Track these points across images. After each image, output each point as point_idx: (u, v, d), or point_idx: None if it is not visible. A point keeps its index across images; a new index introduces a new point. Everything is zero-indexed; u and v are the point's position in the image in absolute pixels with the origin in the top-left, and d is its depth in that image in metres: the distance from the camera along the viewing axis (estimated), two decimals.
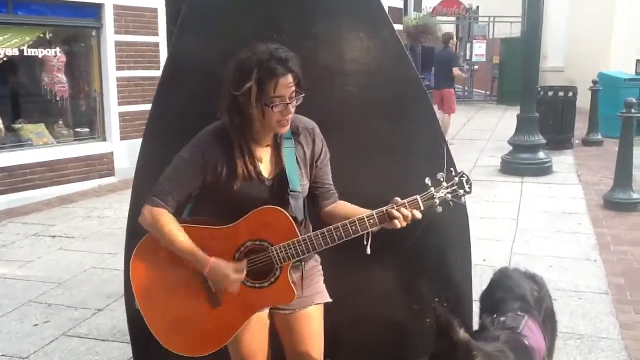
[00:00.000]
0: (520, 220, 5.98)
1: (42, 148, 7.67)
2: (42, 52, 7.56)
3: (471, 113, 14.86)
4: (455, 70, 10.70)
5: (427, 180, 2.00)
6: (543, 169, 7.98)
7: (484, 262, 4.52)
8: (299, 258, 2.00)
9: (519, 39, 17.70)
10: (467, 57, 19.71)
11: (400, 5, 16.81)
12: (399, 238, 2.38)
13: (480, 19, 21.13)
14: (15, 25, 7.28)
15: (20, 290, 4.55)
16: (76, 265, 5.01)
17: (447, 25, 21.87)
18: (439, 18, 20.40)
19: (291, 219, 1.99)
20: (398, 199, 2.00)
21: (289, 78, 1.89)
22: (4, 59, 7.22)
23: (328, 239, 1.97)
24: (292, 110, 1.94)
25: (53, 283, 4.65)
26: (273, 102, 1.88)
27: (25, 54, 7.40)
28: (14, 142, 7.53)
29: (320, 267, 2.27)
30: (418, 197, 1.99)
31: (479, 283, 2.92)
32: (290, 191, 2.02)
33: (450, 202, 2.01)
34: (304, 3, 2.56)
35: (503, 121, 12.83)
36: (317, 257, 2.24)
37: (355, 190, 2.50)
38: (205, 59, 2.43)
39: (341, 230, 1.97)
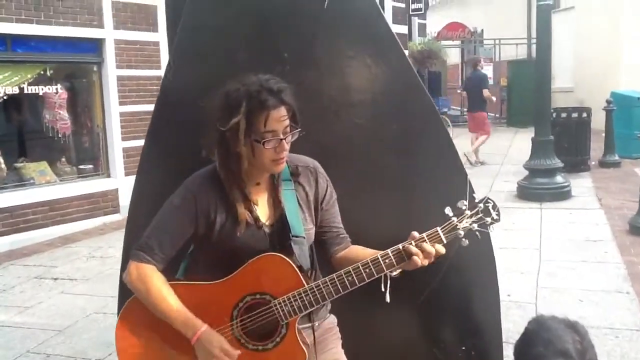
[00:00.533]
0: (543, 250, 5.68)
1: (45, 187, 7.51)
2: (42, 89, 7.45)
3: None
4: (485, 92, 10.75)
5: (448, 211, 1.76)
6: (562, 194, 7.70)
7: (509, 297, 4.23)
8: (307, 311, 1.75)
9: (525, 61, 17.61)
10: None
11: (405, 31, 16.75)
12: (420, 280, 2.14)
13: (485, 41, 21.07)
14: (15, 63, 7.19)
15: (18, 339, 4.33)
16: (78, 311, 4.78)
17: (452, 50, 21.85)
18: (443, 42, 20.32)
19: (294, 266, 1.74)
20: (415, 233, 1.76)
21: (282, 111, 1.70)
22: (4, 97, 7.10)
23: (339, 285, 1.72)
24: (287, 146, 1.73)
25: (53, 331, 4.41)
26: (264, 137, 1.68)
27: (25, 91, 7.29)
28: (16, 182, 7.38)
29: (338, 329, 2.01)
30: (439, 229, 1.75)
31: (505, 321, 2.64)
32: (293, 236, 1.78)
33: (477, 233, 1.76)
34: (305, 29, 2.34)
35: (515, 144, 12.59)
36: (333, 318, 2.01)
37: (368, 231, 2.26)
38: (198, 93, 2.21)
39: (353, 275, 1.72)
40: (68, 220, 7.50)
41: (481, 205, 1.76)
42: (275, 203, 1.82)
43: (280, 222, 1.80)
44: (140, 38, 8.15)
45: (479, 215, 1.75)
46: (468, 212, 1.75)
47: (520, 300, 4.37)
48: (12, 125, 7.90)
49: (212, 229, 1.76)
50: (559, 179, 7.85)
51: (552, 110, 9.02)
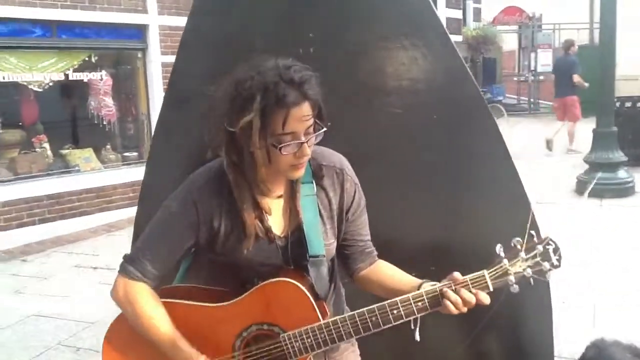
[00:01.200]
0: (603, 251, 5.23)
1: (90, 174, 7.52)
2: (87, 75, 7.45)
3: (538, 126, 13.97)
4: (576, 78, 10.40)
5: (499, 250, 1.45)
6: (625, 190, 7.22)
7: (563, 304, 3.86)
8: (320, 350, 1.49)
9: (587, 47, 16.72)
10: (532, 68, 18.79)
11: (459, 15, 16.19)
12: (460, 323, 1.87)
13: (544, 26, 20.17)
14: (60, 50, 7.18)
15: (51, 331, 4.28)
16: (113, 303, 4.69)
17: (508, 35, 21.05)
18: (499, 27, 19.57)
19: (310, 297, 1.46)
20: (457, 274, 1.46)
21: (305, 108, 1.36)
22: (50, 84, 7.11)
23: (360, 326, 1.45)
24: (309, 151, 1.42)
25: (86, 323, 4.35)
26: (282, 141, 1.36)
27: (70, 78, 7.29)
28: (62, 168, 7.42)
29: (356, 346, 1.74)
30: (486, 272, 1.44)
31: (556, 328, 2.32)
32: (310, 257, 1.50)
33: (531, 280, 1.45)
34: (335, 6, 2.07)
35: (576, 135, 11.90)
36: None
37: (402, 239, 2.01)
38: (210, 79, 1.99)
39: (378, 316, 1.44)
40: (112, 207, 7.50)
41: (540, 247, 1.44)
42: (293, 212, 1.54)
43: (297, 235, 1.53)
44: (184, 24, 8.00)
45: (536, 260, 1.44)
46: (523, 255, 1.44)
47: (576, 314, 3.98)
48: (58, 112, 7.95)
49: (215, 240, 1.50)
50: (622, 173, 7.37)
51: (615, 100, 8.43)
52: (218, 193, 1.48)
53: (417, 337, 1.47)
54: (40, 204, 6.83)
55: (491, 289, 1.44)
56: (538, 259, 1.43)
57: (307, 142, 1.39)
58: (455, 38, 14.46)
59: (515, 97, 20.98)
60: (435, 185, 2.16)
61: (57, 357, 3.86)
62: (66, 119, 7.99)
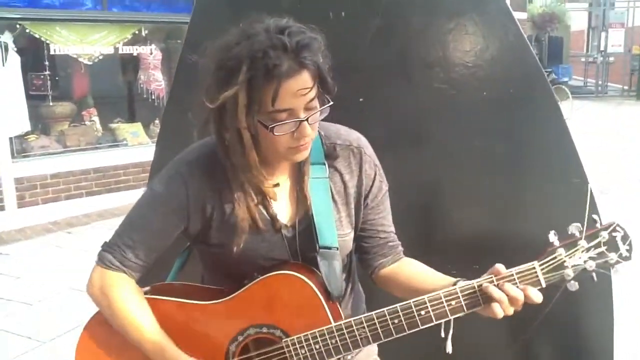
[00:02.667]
0: None
1: (137, 148, 7.50)
2: (137, 49, 7.39)
3: (607, 110, 13.23)
4: None
5: (553, 237, 1.16)
6: None
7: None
8: (332, 359, 1.25)
9: None
10: (602, 48, 17.83)
11: None
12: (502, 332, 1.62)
13: (617, 4, 19.04)
14: (111, 23, 7.14)
15: (84, 305, 4.23)
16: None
17: (578, 13, 20.05)
18: (568, 5, 18.63)
19: (319, 294, 1.23)
20: (501, 267, 1.19)
21: (303, 79, 1.12)
22: (100, 57, 7.10)
23: (380, 330, 1.20)
24: (310, 131, 1.17)
25: None
26: (275, 119, 1.14)
27: (120, 52, 7.26)
28: (110, 142, 7.44)
29: (376, 348, 1.49)
30: (537, 264, 1.17)
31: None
32: (320, 248, 1.27)
33: (594, 274, 1.17)
34: None
35: None
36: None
37: (444, 233, 1.76)
38: None
39: (402, 318, 1.19)
40: None
41: (605, 234, 1.16)
42: (300, 197, 1.30)
43: (306, 224, 1.29)
44: None
45: (600, 250, 1.16)
46: (584, 244, 1.16)
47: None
48: (107, 86, 7.96)
49: (208, 228, 1.28)
50: None
51: None
52: (211, 172, 1.26)
53: (449, 349, 1.23)
54: (88, 176, 6.86)
55: (543, 285, 1.17)
56: (603, 248, 1.16)
57: (307, 119, 1.15)
58: (519, 15, 13.80)
59: (582, 79, 20.04)
60: (485, 173, 1.90)
61: None
62: (116, 93, 8.00)
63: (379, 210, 1.37)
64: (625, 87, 17.10)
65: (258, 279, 1.25)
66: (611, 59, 17.70)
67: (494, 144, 1.86)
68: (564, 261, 1.16)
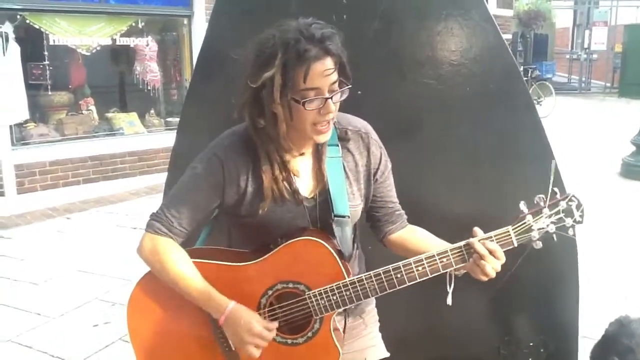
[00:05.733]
0: None
1: (133, 137, 7.69)
2: (134, 41, 7.58)
3: (589, 106, 13.56)
4: None
5: (522, 206, 1.45)
6: None
7: (626, 301, 3.78)
8: (345, 307, 1.52)
9: None
10: (585, 46, 18.16)
11: None
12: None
13: (601, 3, 19.39)
14: (108, 15, 7.30)
15: (89, 285, 4.45)
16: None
17: (563, 11, 20.36)
18: (554, 3, 18.93)
19: (335, 255, 1.49)
20: (478, 229, 1.48)
21: (327, 63, 1.38)
22: (98, 48, 7.27)
23: (385, 283, 1.47)
24: (334, 108, 1.43)
25: (123, 280, 4.50)
26: (305, 96, 1.39)
27: (117, 43, 7.43)
28: (107, 131, 7.62)
29: (375, 311, 1.78)
30: (510, 228, 1.45)
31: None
32: (335, 216, 1.53)
33: (554, 236, 1.46)
34: None
35: (625, 116, 11.52)
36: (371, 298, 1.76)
37: (433, 212, 2.01)
38: (240, 46, 2.00)
39: (403, 273, 1.46)
40: (154, 171, 7.66)
41: (563, 203, 1.45)
42: (319, 173, 1.56)
43: (324, 197, 1.55)
44: None
45: (559, 216, 1.45)
46: (547, 211, 1.45)
47: (609, 294, 3.92)
48: (104, 76, 8.13)
49: (241, 201, 1.53)
50: None
51: None
52: (244, 153, 1.51)
53: (449, 301, 1.49)
54: (85, 164, 7.04)
55: (515, 245, 1.46)
56: (562, 215, 1.44)
57: (331, 97, 1.40)
58: (505, 12, 14.05)
59: (566, 75, 20.37)
60: (468, 159, 2.15)
61: (93, 311, 4.01)
62: (112, 83, 8.17)
63: (386, 184, 1.65)
64: (608, 84, 17.43)
65: (284, 244, 1.50)
66: (594, 56, 18.01)
67: (476, 132, 2.11)
68: (531, 225, 1.45)
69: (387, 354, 1.75)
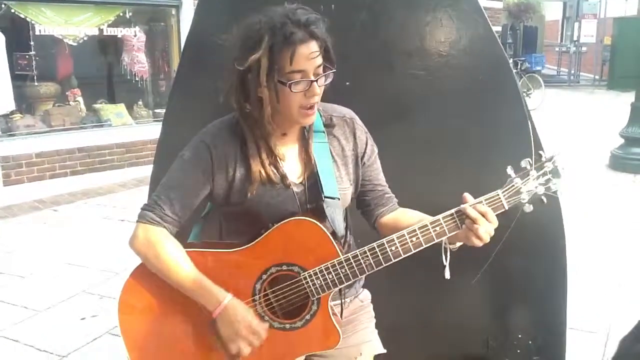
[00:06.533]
0: (635, 228, 5.08)
1: (121, 128, 7.63)
2: (121, 31, 7.49)
3: (578, 99, 13.62)
4: None
5: (510, 171, 1.45)
6: None
7: (620, 287, 3.80)
8: (343, 286, 1.50)
9: (635, 18, 16.11)
10: (575, 38, 18.22)
11: None
12: (475, 254, 1.87)
13: None
14: (96, 5, 7.22)
15: (76, 278, 4.42)
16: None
17: (552, 4, 20.40)
18: None
19: (327, 233, 1.48)
20: (468, 195, 1.47)
21: (312, 46, 1.40)
22: (85, 38, 7.18)
23: (380, 256, 1.46)
24: (319, 90, 1.44)
25: (110, 272, 4.47)
26: (291, 78, 1.40)
27: (105, 33, 7.35)
28: (94, 122, 7.55)
29: (371, 306, 1.77)
30: (500, 192, 1.45)
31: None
32: (325, 197, 1.52)
33: (543, 198, 1.46)
34: None
35: (614, 109, 11.57)
36: (366, 293, 1.76)
37: (422, 201, 1.99)
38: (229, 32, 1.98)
39: (398, 245, 1.45)
40: (142, 162, 7.60)
41: (550, 164, 1.45)
42: (307, 158, 1.56)
43: (312, 181, 1.55)
44: None
45: (547, 177, 1.45)
46: (534, 173, 1.45)
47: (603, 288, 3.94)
48: (92, 67, 8.05)
49: (230, 187, 1.52)
50: None
51: None
52: (231, 140, 1.51)
53: (447, 275, 1.49)
54: (72, 156, 6.98)
55: (506, 208, 1.45)
56: (549, 175, 1.45)
57: (316, 80, 1.42)
58: (495, 4, 14.04)
59: (556, 68, 20.44)
60: (456, 148, 2.14)
61: (80, 303, 3.97)
62: (100, 74, 8.09)
63: (373, 167, 1.65)
64: (597, 77, 17.50)
65: (274, 227, 1.49)
66: (584, 49, 18.08)
67: (464, 123, 2.10)
68: (520, 188, 1.45)
69: (383, 350, 1.74)
